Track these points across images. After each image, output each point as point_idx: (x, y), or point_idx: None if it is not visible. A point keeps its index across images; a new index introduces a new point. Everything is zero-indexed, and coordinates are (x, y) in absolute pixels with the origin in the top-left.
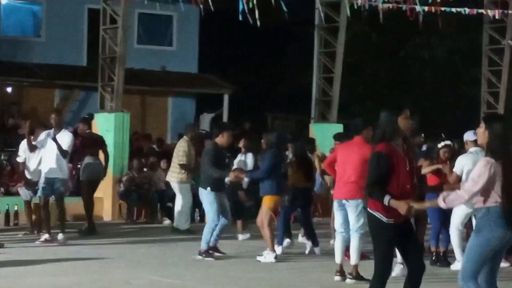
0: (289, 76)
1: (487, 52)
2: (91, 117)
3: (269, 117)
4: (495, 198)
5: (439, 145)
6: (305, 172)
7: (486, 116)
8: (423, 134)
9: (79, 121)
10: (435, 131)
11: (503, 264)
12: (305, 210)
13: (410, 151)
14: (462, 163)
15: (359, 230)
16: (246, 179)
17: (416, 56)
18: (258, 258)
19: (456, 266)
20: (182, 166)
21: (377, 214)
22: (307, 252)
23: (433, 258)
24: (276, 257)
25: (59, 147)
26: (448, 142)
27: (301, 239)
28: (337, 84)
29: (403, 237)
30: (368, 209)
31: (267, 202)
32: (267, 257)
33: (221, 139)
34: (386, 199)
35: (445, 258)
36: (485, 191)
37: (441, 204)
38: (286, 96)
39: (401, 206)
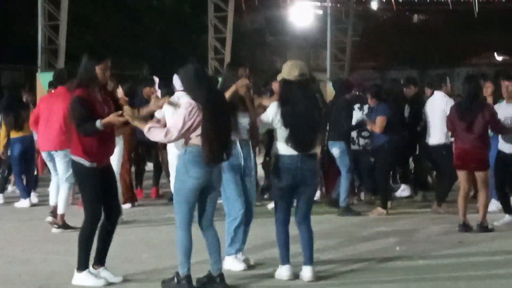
0: (17, 25)
1: None
2: None
3: None
4: (193, 140)
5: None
6: (16, 122)
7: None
8: None
9: None
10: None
11: None
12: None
13: (107, 98)
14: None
15: (68, 180)
16: None
17: (145, 5)
18: None
19: None
20: None
21: (80, 160)
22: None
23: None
24: None
25: None
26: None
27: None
28: (63, 32)
29: (105, 182)
30: (71, 155)
31: None
32: None
33: None
34: (98, 123)
35: None
36: (186, 133)
37: (146, 131)
38: (14, 46)
39: (113, 119)
